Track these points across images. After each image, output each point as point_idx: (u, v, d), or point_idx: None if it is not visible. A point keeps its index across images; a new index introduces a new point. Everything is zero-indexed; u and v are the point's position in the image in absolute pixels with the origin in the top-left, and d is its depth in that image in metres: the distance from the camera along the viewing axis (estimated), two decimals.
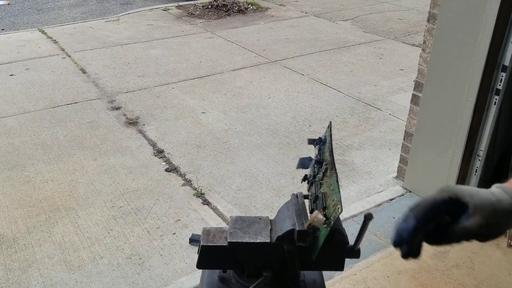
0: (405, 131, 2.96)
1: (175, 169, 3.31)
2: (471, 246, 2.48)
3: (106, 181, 3.15)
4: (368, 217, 0.80)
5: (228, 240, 0.84)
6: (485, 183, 2.69)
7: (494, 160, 2.65)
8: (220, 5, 7.71)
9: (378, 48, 5.88)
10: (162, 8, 7.84)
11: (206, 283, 0.94)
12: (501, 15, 2.25)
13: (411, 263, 2.36)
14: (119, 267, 2.43)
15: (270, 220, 0.94)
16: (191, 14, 7.50)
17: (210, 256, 0.86)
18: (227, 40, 6.18)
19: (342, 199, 0.78)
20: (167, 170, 3.29)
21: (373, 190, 3.04)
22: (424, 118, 2.75)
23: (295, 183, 3.12)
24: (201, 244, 0.85)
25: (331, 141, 0.93)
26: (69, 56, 5.57)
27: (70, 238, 2.63)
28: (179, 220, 2.79)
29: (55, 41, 6.10)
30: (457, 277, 2.30)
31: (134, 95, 4.52)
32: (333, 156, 0.90)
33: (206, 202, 2.95)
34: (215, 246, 0.85)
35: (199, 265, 0.88)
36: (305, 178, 0.97)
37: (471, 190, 0.76)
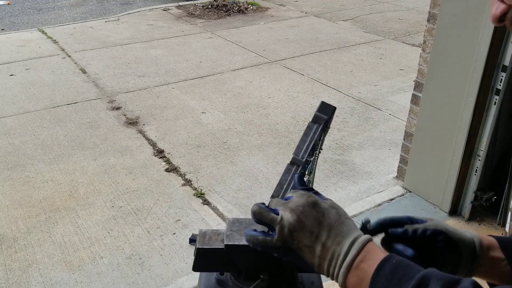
0: (405, 131, 2.96)
1: (175, 169, 3.31)
2: None
3: (106, 181, 3.15)
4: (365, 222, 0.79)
5: (225, 243, 0.84)
6: (485, 183, 2.69)
7: (494, 160, 2.65)
8: (220, 5, 7.70)
9: (378, 48, 5.88)
10: (162, 8, 7.83)
11: (204, 286, 0.94)
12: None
13: None
14: (119, 267, 2.43)
15: None
16: (191, 14, 7.50)
17: (206, 258, 0.86)
18: (227, 40, 6.17)
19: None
20: (167, 170, 3.29)
21: (373, 190, 3.04)
22: (424, 118, 2.75)
23: None
24: (196, 246, 0.85)
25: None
26: (69, 56, 5.57)
27: (70, 238, 2.63)
28: (179, 220, 2.78)
29: (55, 41, 6.10)
30: None
31: (134, 95, 4.52)
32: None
33: (206, 202, 2.95)
34: (211, 248, 0.85)
35: (195, 268, 0.87)
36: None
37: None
